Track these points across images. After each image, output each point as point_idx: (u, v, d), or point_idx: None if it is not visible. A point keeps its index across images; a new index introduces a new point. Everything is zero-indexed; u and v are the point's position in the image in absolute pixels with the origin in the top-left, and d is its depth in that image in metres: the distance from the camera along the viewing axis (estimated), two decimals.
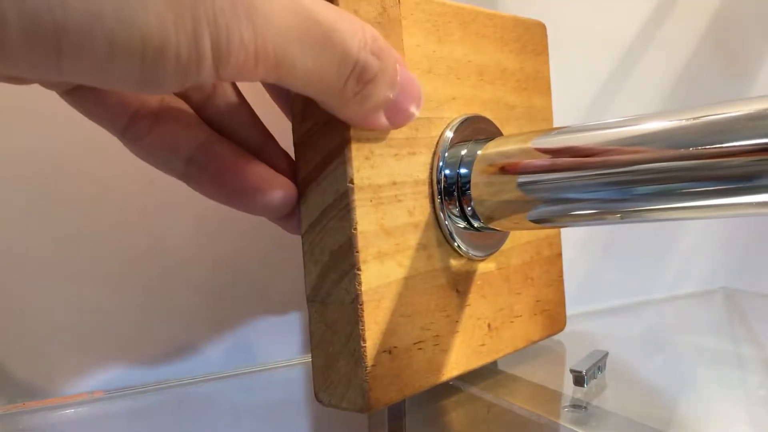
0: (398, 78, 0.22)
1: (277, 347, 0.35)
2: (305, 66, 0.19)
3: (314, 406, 0.33)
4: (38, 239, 0.29)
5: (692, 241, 0.52)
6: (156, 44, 0.15)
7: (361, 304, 0.23)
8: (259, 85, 0.27)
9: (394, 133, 0.24)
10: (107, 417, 0.31)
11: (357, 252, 0.23)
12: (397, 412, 0.32)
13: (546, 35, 0.34)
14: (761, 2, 0.53)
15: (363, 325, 0.23)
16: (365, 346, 0.23)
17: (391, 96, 0.22)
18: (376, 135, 0.24)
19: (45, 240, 0.30)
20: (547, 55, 0.34)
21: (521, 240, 0.31)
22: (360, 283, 0.23)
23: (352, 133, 0.23)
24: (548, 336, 0.33)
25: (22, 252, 0.29)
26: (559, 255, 0.34)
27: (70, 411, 0.30)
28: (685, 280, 0.52)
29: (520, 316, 0.30)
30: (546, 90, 0.33)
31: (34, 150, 0.29)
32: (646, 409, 0.29)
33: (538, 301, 0.32)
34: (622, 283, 0.49)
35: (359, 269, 0.23)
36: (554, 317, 0.33)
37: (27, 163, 0.29)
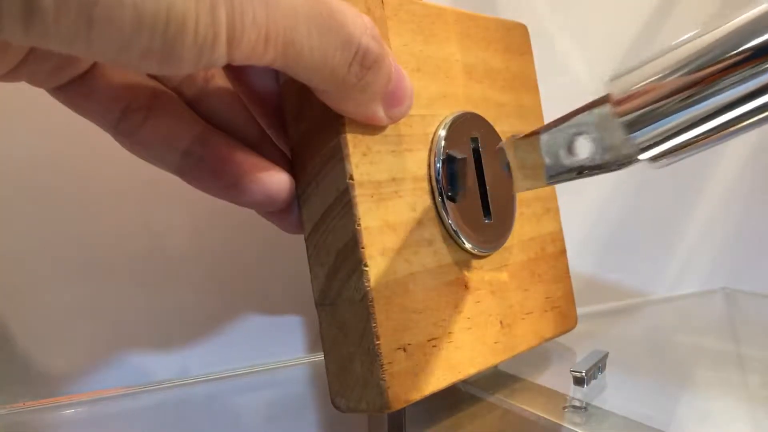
0: (393, 69, 0.22)
1: (277, 347, 0.35)
2: (311, 48, 0.19)
3: (314, 406, 0.33)
4: (37, 239, 0.29)
5: (692, 241, 0.52)
6: (179, 16, 0.15)
7: (371, 301, 0.23)
8: None
9: (390, 130, 0.25)
10: (107, 417, 0.31)
11: (363, 248, 0.23)
12: (397, 414, 0.32)
13: (528, 36, 0.34)
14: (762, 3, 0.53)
15: (375, 322, 0.22)
16: (379, 343, 0.22)
17: (389, 86, 0.22)
18: (372, 131, 0.24)
19: (43, 240, 0.30)
20: (531, 55, 0.34)
21: (524, 237, 0.31)
22: (368, 279, 0.23)
23: (348, 129, 0.23)
24: (561, 333, 0.32)
25: (21, 252, 0.29)
26: (563, 252, 0.34)
27: (70, 411, 0.30)
28: (685, 280, 0.52)
29: (531, 312, 0.30)
30: (533, 89, 0.33)
31: (33, 149, 0.29)
32: (646, 409, 0.29)
33: (547, 297, 0.32)
34: (622, 283, 0.49)
35: (366, 265, 0.23)
36: (565, 314, 0.33)
37: (26, 163, 0.29)
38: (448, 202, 0.26)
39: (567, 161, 0.22)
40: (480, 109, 0.29)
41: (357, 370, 0.23)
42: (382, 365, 0.23)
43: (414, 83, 0.26)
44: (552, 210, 0.33)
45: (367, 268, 0.23)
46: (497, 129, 0.30)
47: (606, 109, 0.21)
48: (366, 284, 0.23)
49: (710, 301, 0.52)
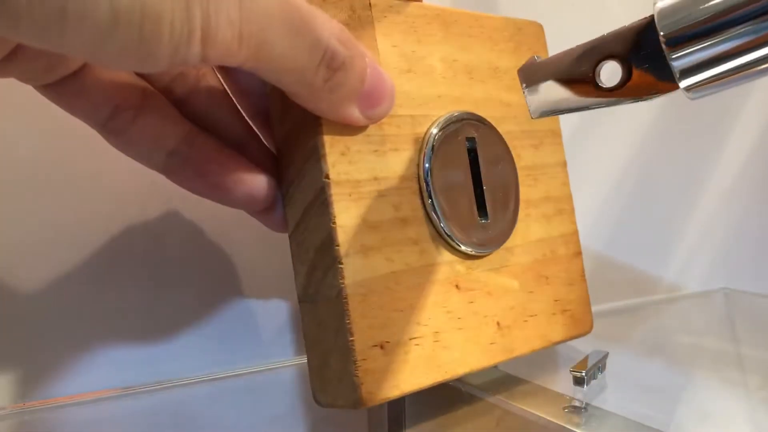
0: (368, 70, 0.22)
1: (278, 347, 0.35)
2: (282, 50, 0.19)
3: (314, 407, 0.33)
4: (37, 239, 0.29)
5: (692, 241, 0.52)
6: (154, 13, 0.16)
7: (345, 298, 0.23)
8: None
9: (373, 130, 0.25)
10: (107, 417, 0.31)
11: (337, 246, 0.23)
12: (397, 415, 0.32)
13: (543, 35, 0.33)
14: None
15: (349, 319, 0.23)
16: (353, 340, 0.23)
17: (362, 87, 0.23)
18: (353, 132, 0.24)
19: (43, 240, 0.30)
20: (546, 54, 0.33)
21: (530, 238, 0.31)
22: (343, 277, 0.23)
23: (325, 129, 0.23)
24: (572, 337, 0.32)
25: (20, 252, 0.29)
26: (578, 254, 0.33)
27: (70, 411, 0.30)
28: (685, 280, 0.52)
29: (535, 315, 0.30)
30: None
31: (33, 149, 0.29)
32: (646, 409, 0.29)
33: (556, 300, 0.31)
34: (622, 283, 0.49)
35: (341, 263, 0.23)
36: (577, 318, 0.32)
37: (25, 163, 0.29)
38: (437, 203, 0.26)
39: (589, 87, 0.20)
40: (482, 110, 0.29)
41: (334, 365, 0.24)
42: (356, 362, 0.23)
43: (405, 85, 0.26)
44: (566, 211, 0.33)
45: (341, 266, 0.23)
46: (503, 129, 0.29)
47: (649, 28, 0.19)
48: (340, 282, 0.23)
49: (710, 301, 0.52)
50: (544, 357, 0.35)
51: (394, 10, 0.26)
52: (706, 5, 0.18)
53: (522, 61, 0.32)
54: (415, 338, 0.25)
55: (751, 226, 0.54)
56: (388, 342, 0.24)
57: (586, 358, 0.32)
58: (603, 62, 0.20)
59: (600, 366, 0.32)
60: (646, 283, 0.50)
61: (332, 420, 0.34)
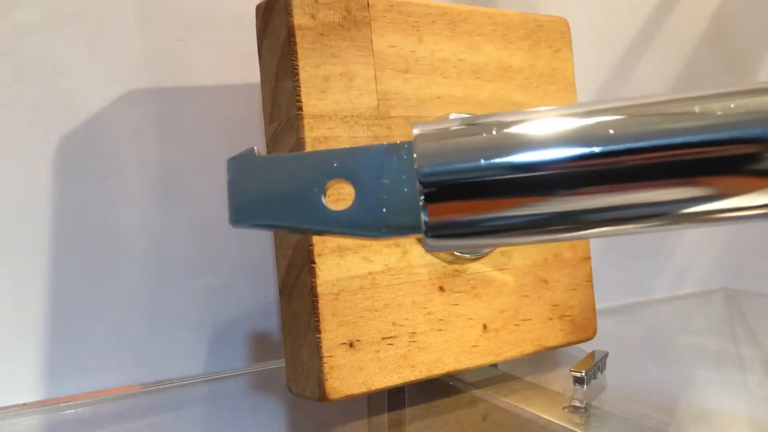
0: None
1: (278, 348, 0.35)
2: None
3: (315, 407, 0.33)
4: (38, 239, 0.29)
5: (692, 241, 0.52)
6: None
7: (315, 296, 0.24)
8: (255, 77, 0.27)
9: (361, 132, 0.25)
10: (107, 417, 0.31)
11: (311, 246, 0.24)
12: (396, 411, 0.32)
13: (568, 32, 0.32)
14: (761, 2, 0.53)
15: (318, 316, 0.24)
16: (320, 337, 0.24)
17: None
18: (337, 135, 0.25)
19: (44, 240, 0.30)
20: (569, 51, 0.32)
21: None
22: (315, 276, 0.24)
23: (307, 134, 0.24)
24: (572, 343, 0.32)
25: (21, 252, 0.29)
26: (586, 258, 0.33)
27: (70, 411, 0.30)
28: (685, 280, 0.52)
29: (529, 319, 0.30)
30: (567, 87, 0.32)
31: (34, 150, 0.29)
32: (646, 409, 0.29)
33: (555, 305, 0.31)
34: (622, 283, 0.49)
35: (314, 262, 0.24)
36: (578, 323, 0.32)
37: (26, 163, 0.29)
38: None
39: (305, 205, 0.16)
40: (487, 110, 0.29)
41: (304, 358, 0.25)
42: (322, 358, 0.24)
43: (401, 86, 0.26)
44: None
45: (314, 265, 0.24)
46: None
47: (404, 156, 0.15)
48: (312, 280, 0.24)
49: (710, 301, 0.52)
50: (544, 356, 0.35)
51: (395, 10, 0.26)
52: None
53: (538, 59, 0.31)
54: (388, 338, 0.25)
55: (751, 226, 0.54)
56: (359, 340, 0.25)
57: (586, 358, 0.32)
58: (329, 179, 0.16)
59: (600, 366, 0.32)
60: (646, 283, 0.50)
61: (333, 416, 0.34)
